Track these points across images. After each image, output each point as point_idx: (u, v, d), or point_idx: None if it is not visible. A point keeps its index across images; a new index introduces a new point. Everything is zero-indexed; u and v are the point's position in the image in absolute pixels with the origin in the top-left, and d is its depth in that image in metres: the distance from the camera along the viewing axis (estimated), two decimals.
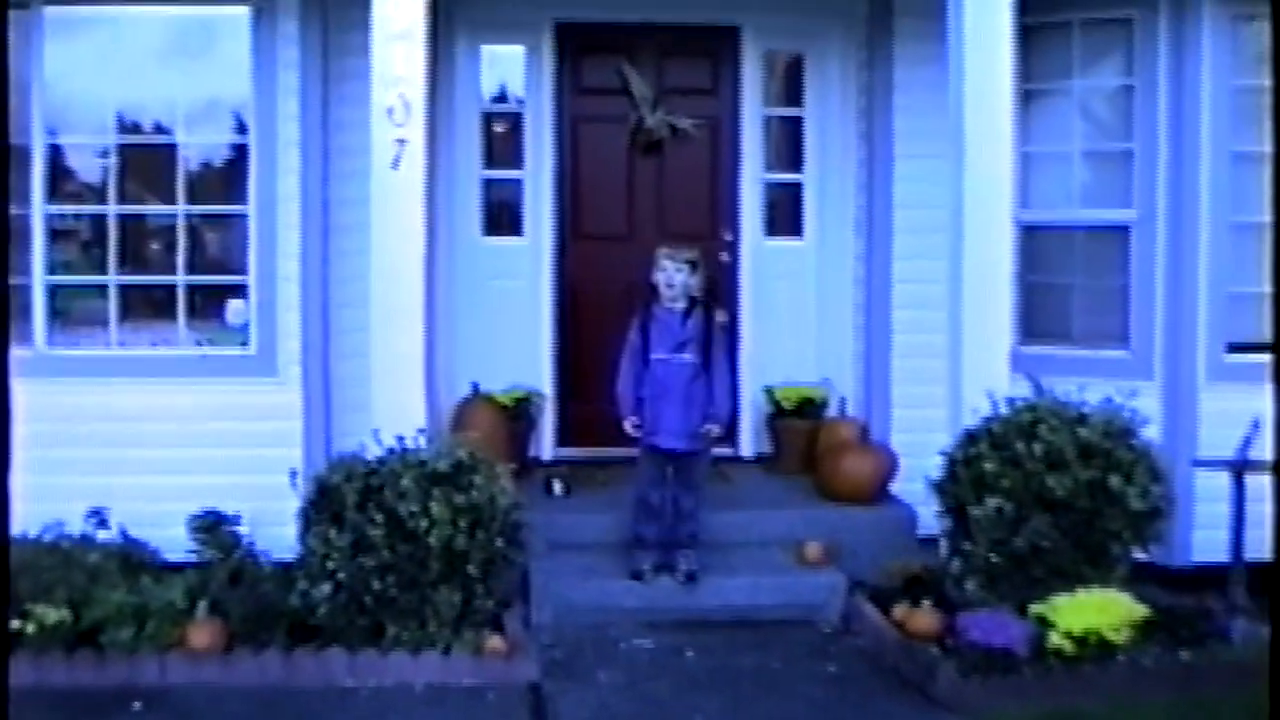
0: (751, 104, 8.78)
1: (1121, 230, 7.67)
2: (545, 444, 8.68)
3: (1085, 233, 7.88)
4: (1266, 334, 7.44)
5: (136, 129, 7.59)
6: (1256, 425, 6.55)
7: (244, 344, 7.57)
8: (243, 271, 7.53)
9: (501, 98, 8.84)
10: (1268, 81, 7.37)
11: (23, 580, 6.28)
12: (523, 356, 8.63)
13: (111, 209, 7.49)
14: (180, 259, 7.53)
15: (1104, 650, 5.97)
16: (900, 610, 6.51)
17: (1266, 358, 7.30)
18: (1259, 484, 6.54)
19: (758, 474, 8.44)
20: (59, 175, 7.56)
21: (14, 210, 7.23)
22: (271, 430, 7.39)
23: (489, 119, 8.81)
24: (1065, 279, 7.95)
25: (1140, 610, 6.15)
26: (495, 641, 6.21)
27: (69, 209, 7.60)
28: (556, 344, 8.72)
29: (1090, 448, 6.29)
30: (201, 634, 6.16)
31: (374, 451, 6.26)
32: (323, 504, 6.16)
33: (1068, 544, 6.28)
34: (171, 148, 7.57)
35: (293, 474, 6.65)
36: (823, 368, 8.64)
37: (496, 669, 6.15)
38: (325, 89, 7.46)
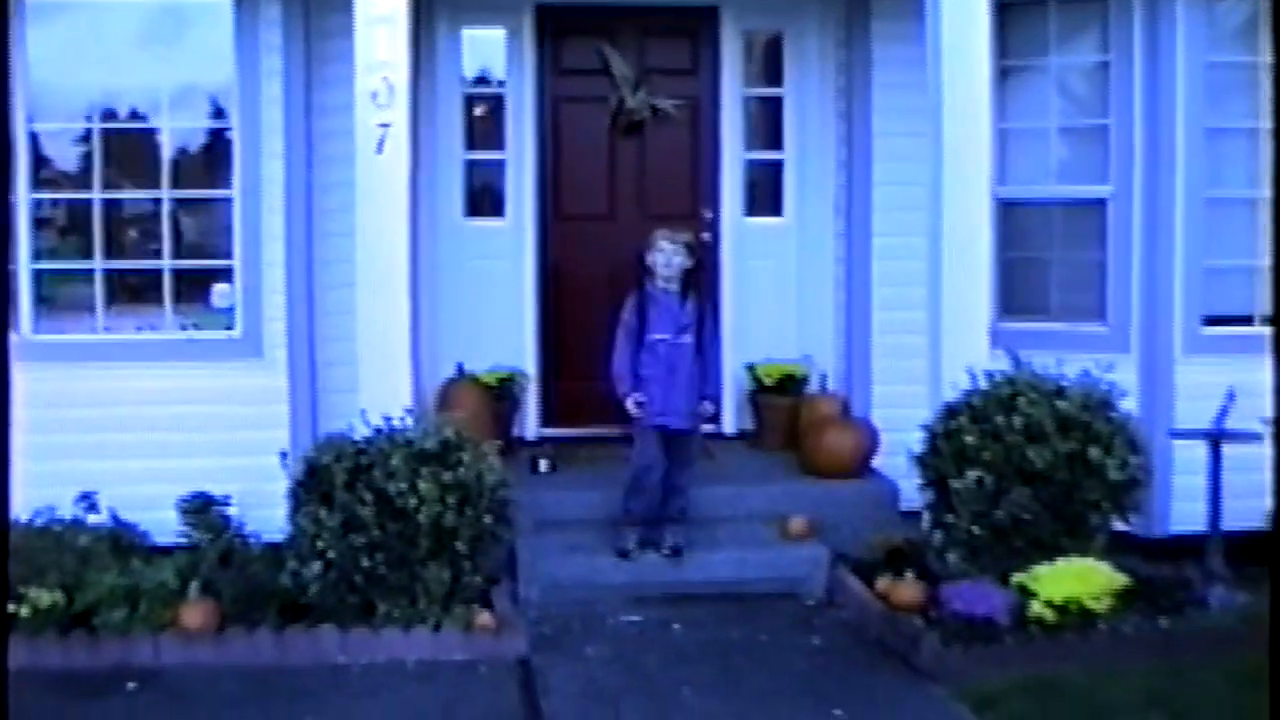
0: (731, 84, 8.83)
1: (1098, 205, 7.75)
2: (529, 423, 8.75)
3: (1062, 208, 7.96)
4: (1241, 307, 7.56)
5: (120, 115, 7.61)
6: (1232, 396, 6.66)
7: (229, 328, 7.61)
8: (228, 256, 7.57)
9: (483, 80, 8.88)
10: (1241, 58, 7.49)
11: (15, 564, 6.31)
12: (506, 337, 8.69)
13: (96, 195, 7.52)
14: (165, 244, 7.57)
15: (1084, 618, 6.08)
16: (883, 582, 6.61)
17: (1242, 330, 7.46)
18: (1235, 455, 6.66)
19: (741, 450, 8.52)
20: (43, 162, 7.58)
21: None
22: (258, 413, 7.43)
23: (470, 101, 8.85)
24: (1043, 254, 8.03)
25: (1120, 579, 6.25)
26: (484, 618, 6.29)
27: (54, 195, 7.62)
28: (539, 324, 8.78)
29: (1069, 420, 6.39)
30: (194, 614, 6.23)
31: (362, 431, 6.33)
32: (312, 484, 6.23)
33: (1048, 515, 6.38)
34: (155, 133, 7.61)
35: (283, 454, 6.70)
36: (804, 345, 8.71)
37: (486, 644, 6.23)
38: (308, 73, 7.48)
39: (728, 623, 6.64)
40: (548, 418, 8.82)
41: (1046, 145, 7.98)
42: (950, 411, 6.59)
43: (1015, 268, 8.08)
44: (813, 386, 8.53)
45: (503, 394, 8.41)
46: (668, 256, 7.00)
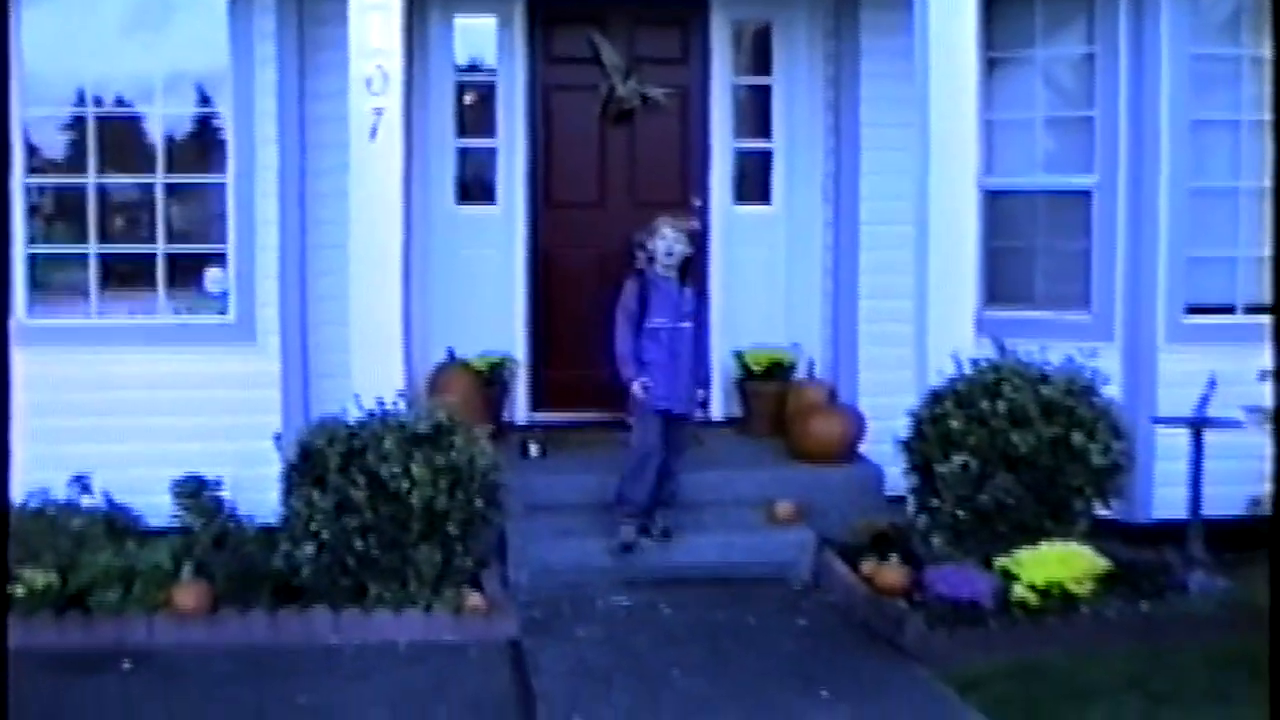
0: (721, 73, 8.90)
1: (1083, 196, 7.83)
2: (519, 408, 8.81)
3: (1047, 198, 8.04)
4: (1224, 297, 7.65)
5: (114, 101, 7.65)
6: (1213, 384, 6.75)
7: (223, 312, 7.67)
8: (221, 241, 7.62)
9: (474, 68, 8.91)
10: (1226, 50, 7.56)
11: (11, 546, 6.38)
12: (496, 323, 8.74)
13: (91, 180, 7.56)
14: (159, 229, 7.61)
15: (1066, 602, 6.17)
16: (869, 566, 6.69)
17: (1224, 319, 7.55)
18: (1217, 442, 6.76)
19: (728, 436, 8.58)
20: (37, 148, 7.63)
21: None
22: (250, 397, 7.49)
23: (462, 89, 8.89)
24: (1028, 243, 8.12)
25: (1102, 563, 6.35)
26: (475, 600, 6.37)
27: (48, 181, 7.67)
28: (529, 310, 8.84)
29: (1052, 405, 6.48)
30: (188, 595, 6.30)
31: (355, 415, 6.40)
32: (306, 466, 6.29)
33: (1031, 499, 6.47)
34: (149, 119, 7.66)
35: (277, 437, 6.78)
36: (791, 332, 8.78)
37: (477, 626, 6.30)
38: (302, 59, 7.55)
39: (715, 605, 6.72)
40: (537, 403, 8.87)
41: (1032, 136, 8.05)
42: (936, 397, 6.68)
43: (1001, 257, 8.16)
44: (800, 373, 8.60)
45: (493, 379, 8.47)
46: (669, 244, 7.07)
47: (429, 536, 6.26)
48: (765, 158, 9.02)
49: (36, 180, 7.59)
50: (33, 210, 7.63)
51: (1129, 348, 7.62)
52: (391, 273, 6.84)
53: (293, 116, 7.52)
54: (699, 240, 8.56)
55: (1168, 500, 7.18)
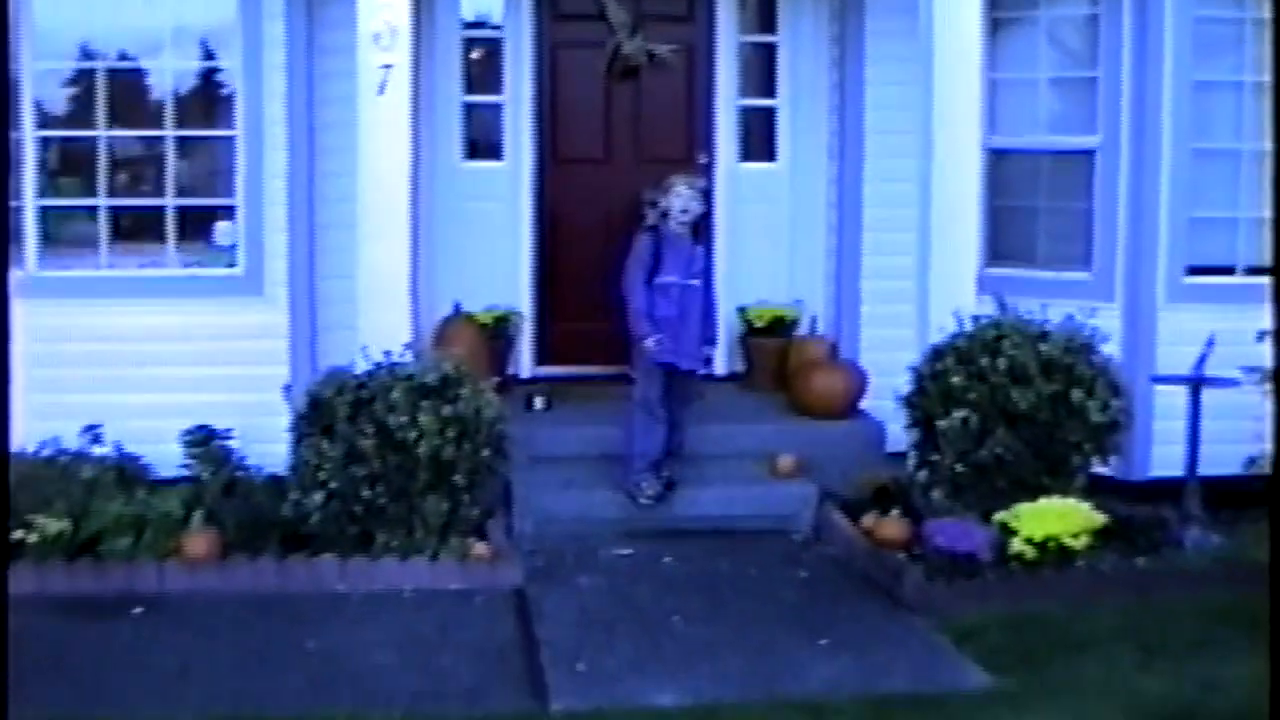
0: (726, 30, 8.92)
1: (1086, 156, 7.88)
2: (524, 362, 8.88)
3: (1051, 158, 8.09)
4: (1224, 258, 7.71)
5: (123, 55, 7.68)
6: (1211, 343, 6.82)
7: (231, 265, 7.71)
8: (230, 194, 7.66)
9: (481, 24, 8.94)
10: (1229, 12, 7.59)
11: (23, 494, 6.49)
12: (502, 277, 8.79)
13: (101, 133, 7.59)
14: (168, 182, 7.66)
15: (1063, 556, 6.27)
16: (869, 519, 6.79)
17: (1224, 280, 7.62)
18: (1214, 403, 6.83)
19: (731, 391, 8.64)
20: (46, 102, 7.66)
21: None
22: (259, 349, 7.54)
23: (469, 45, 8.91)
24: (1031, 203, 8.16)
25: (1098, 519, 6.43)
26: (480, 548, 6.47)
27: (58, 133, 7.71)
28: (535, 265, 8.89)
29: (1052, 363, 6.56)
30: (198, 543, 6.40)
31: (363, 366, 6.48)
32: (315, 417, 6.39)
33: (1030, 455, 6.56)
34: (159, 73, 7.68)
35: (286, 388, 6.86)
36: (795, 289, 8.84)
37: (482, 574, 6.41)
38: (310, 13, 7.56)
39: (717, 557, 6.83)
40: (542, 357, 8.93)
41: (1036, 96, 8.09)
42: (937, 353, 6.76)
43: (1004, 216, 8.21)
44: (802, 329, 8.66)
45: (498, 333, 8.54)
46: (685, 201, 7.13)
47: (436, 486, 6.35)
48: (770, 115, 9.06)
49: (46, 134, 7.61)
50: (43, 164, 7.66)
51: (1129, 307, 7.68)
52: (399, 227, 6.92)
53: (301, 71, 7.54)
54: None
55: (1166, 459, 7.26)
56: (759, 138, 9.08)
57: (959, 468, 6.60)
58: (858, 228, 8.39)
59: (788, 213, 8.99)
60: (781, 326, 8.64)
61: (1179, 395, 6.95)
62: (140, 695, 5.23)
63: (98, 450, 6.95)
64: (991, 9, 7.79)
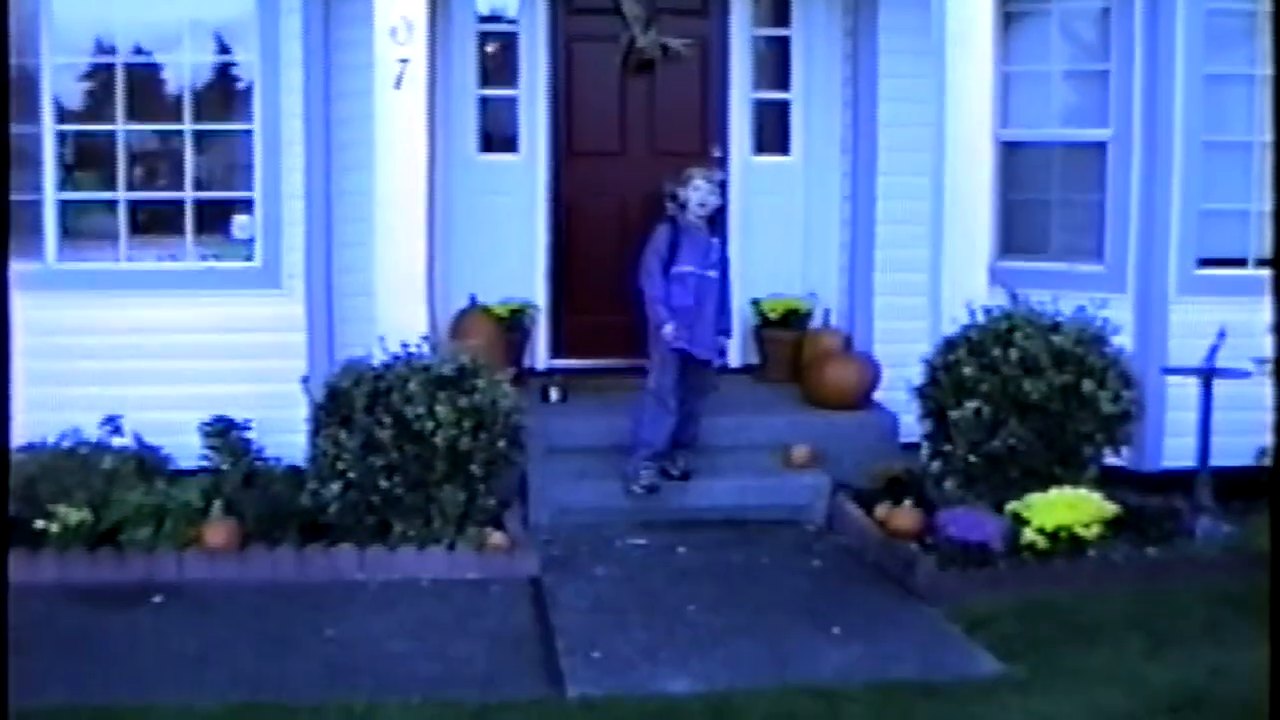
0: (740, 24, 8.98)
1: (1098, 148, 7.91)
2: (539, 354, 8.94)
3: (1063, 150, 8.13)
4: (1236, 250, 7.73)
5: (141, 50, 7.73)
6: (1223, 335, 6.85)
7: (249, 258, 7.75)
8: (248, 187, 7.71)
9: (496, 18, 8.99)
10: (1241, 5, 7.61)
11: (44, 484, 6.60)
12: (517, 270, 8.85)
13: (120, 127, 7.64)
14: (187, 176, 7.72)
15: (1074, 545, 6.31)
16: (882, 509, 6.84)
17: (1235, 271, 7.64)
18: (1226, 394, 6.86)
19: (745, 382, 8.70)
20: (68, 95, 7.72)
21: (26, 129, 7.44)
22: (277, 341, 7.59)
23: (484, 39, 8.97)
24: (1043, 195, 8.20)
25: (1110, 508, 6.47)
26: (497, 538, 6.53)
27: (77, 128, 7.77)
28: (550, 257, 8.95)
29: (1063, 354, 6.61)
30: (217, 532, 6.47)
31: (380, 357, 6.55)
32: (333, 407, 6.46)
33: (1041, 445, 6.61)
34: (176, 67, 7.74)
35: (304, 379, 6.92)
36: (808, 281, 8.89)
37: (498, 564, 6.48)
38: (327, 8, 7.60)
39: (731, 547, 6.89)
40: (557, 349, 8.99)
41: (1049, 89, 8.13)
42: (949, 345, 6.81)
43: (1016, 208, 8.25)
44: (816, 322, 8.72)
45: (514, 325, 8.60)
46: (703, 195, 7.20)
47: (453, 476, 6.42)
48: (784, 108, 9.11)
49: (65, 128, 7.66)
50: (62, 158, 7.72)
51: (1141, 299, 7.71)
52: (415, 219, 6.98)
53: (318, 65, 7.59)
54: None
55: (1177, 450, 7.31)
56: (773, 131, 9.13)
57: (971, 458, 6.65)
58: (871, 220, 8.43)
59: (801, 206, 9.03)
60: (795, 319, 8.70)
61: (1191, 387, 6.99)
62: (162, 680, 5.30)
63: (118, 441, 7.01)
64: (1004, 2, 7.84)
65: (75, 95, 7.79)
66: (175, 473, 7.00)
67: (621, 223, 8.57)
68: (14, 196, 7.24)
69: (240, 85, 7.78)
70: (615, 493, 7.22)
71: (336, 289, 7.77)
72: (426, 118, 7.07)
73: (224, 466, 6.92)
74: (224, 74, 7.87)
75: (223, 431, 7.04)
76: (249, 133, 7.67)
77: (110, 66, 7.65)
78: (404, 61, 6.79)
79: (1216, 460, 6.91)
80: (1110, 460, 6.91)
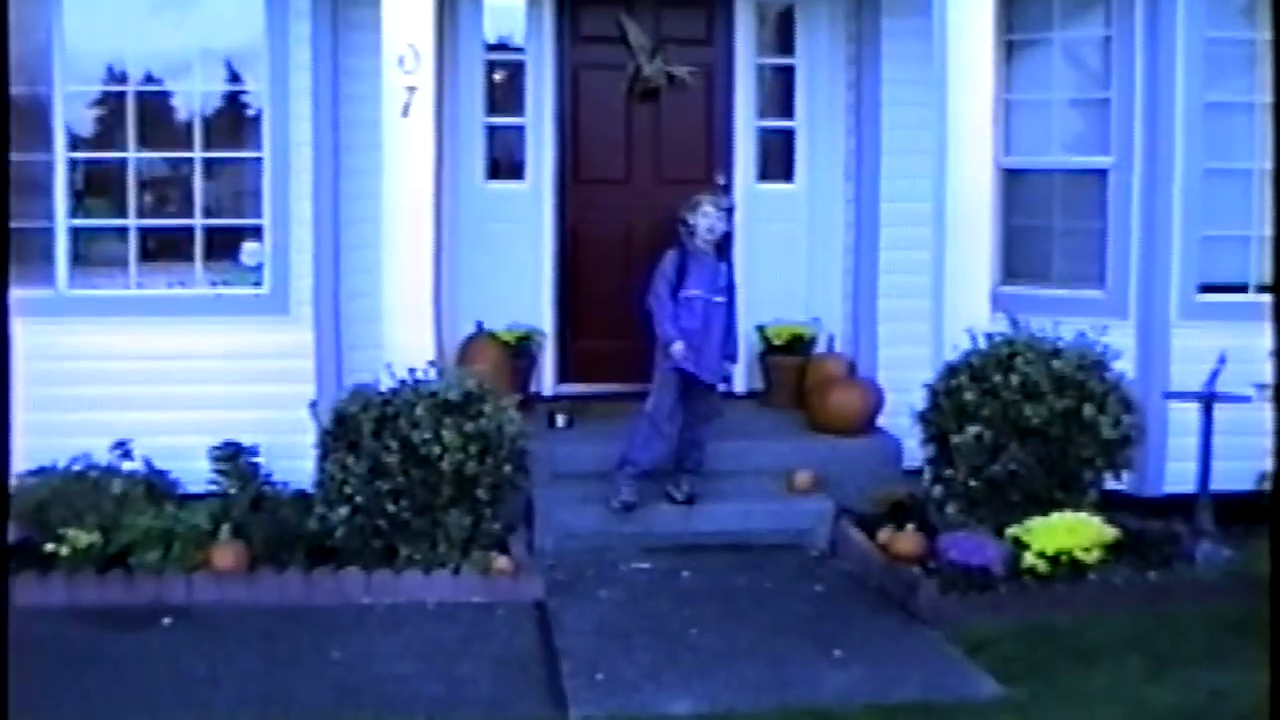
0: (745, 53, 9.05)
1: (1099, 175, 7.97)
2: (546, 380, 8.99)
3: (1065, 177, 8.19)
4: (1236, 275, 7.78)
5: (152, 79, 7.83)
6: (1223, 360, 6.90)
7: (258, 284, 7.84)
8: (257, 215, 7.80)
9: (503, 46, 9.07)
10: (1240, 34, 7.68)
11: (55, 507, 6.68)
12: (524, 296, 8.90)
13: (131, 155, 7.74)
14: (197, 203, 7.81)
15: (1075, 569, 6.35)
16: (885, 534, 6.88)
17: (1236, 297, 7.68)
18: (1226, 419, 6.90)
19: (750, 408, 8.75)
20: (79, 122, 7.81)
21: (37, 157, 7.52)
22: (285, 367, 7.67)
23: (491, 67, 9.05)
24: (1045, 222, 8.26)
25: (1110, 533, 6.51)
26: (502, 562, 6.58)
27: (88, 155, 7.85)
28: (556, 284, 9.00)
29: (1064, 379, 6.65)
30: (225, 555, 6.52)
31: (388, 383, 6.61)
32: (340, 432, 6.51)
33: (1042, 470, 6.65)
34: (187, 96, 7.84)
35: (313, 404, 6.98)
36: (812, 307, 8.96)
37: (504, 588, 6.52)
38: (335, 37, 7.70)
39: (734, 571, 6.93)
40: (563, 374, 9.05)
41: (1050, 117, 8.19)
42: (951, 370, 6.85)
43: (1018, 234, 8.31)
44: (820, 347, 8.77)
45: (520, 351, 8.66)
46: (712, 221, 7.28)
47: (459, 501, 6.47)
48: (788, 136, 9.18)
49: (76, 155, 7.75)
50: (72, 185, 7.80)
51: (1142, 325, 7.76)
52: (423, 247, 7.04)
53: (326, 94, 7.69)
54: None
55: (1178, 474, 7.35)
56: (777, 158, 9.20)
57: (973, 483, 6.69)
58: (874, 247, 8.49)
59: (805, 232, 9.10)
60: (799, 344, 8.75)
61: (1191, 412, 7.04)
62: (171, 700, 5.35)
63: (128, 465, 7.08)
64: (1006, 32, 7.92)
65: (86, 123, 7.90)
66: (184, 497, 7.05)
67: (627, 249, 8.65)
68: (26, 224, 7.44)
69: (250, 113, 7.88)
70: (619, 517, 7.26)
71: (344, 315, 7.85)
72: (434, 145, 7.15)
73: (232, 491, 6.97)
74: (234, 102, 7.97)
75: (231, 456, 7.09)
76: (258, 160, 7.77)
77: (121, 94, 7.76)
78: (412, 90, 6.86)
79: (1217, 485, 6.96)
80: (1111, 485, 6.94)
